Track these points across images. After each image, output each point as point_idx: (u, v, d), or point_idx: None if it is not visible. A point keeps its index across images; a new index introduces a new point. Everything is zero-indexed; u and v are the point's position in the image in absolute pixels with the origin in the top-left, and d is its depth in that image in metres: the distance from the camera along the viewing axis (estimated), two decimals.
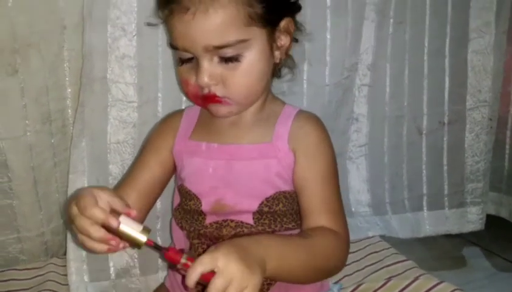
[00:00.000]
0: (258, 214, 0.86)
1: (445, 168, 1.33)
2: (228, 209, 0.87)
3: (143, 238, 0.68)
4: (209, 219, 0.88)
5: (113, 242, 0.70)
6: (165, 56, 1.00)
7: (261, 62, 0.83)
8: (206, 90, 0.82)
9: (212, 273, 0.65)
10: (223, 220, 0.87)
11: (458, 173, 1.34)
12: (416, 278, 1.00)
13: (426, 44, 1.25)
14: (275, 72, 0.91)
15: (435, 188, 1.33)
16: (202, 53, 0.80)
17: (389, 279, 1.02)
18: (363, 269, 1.08)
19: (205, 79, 0.81)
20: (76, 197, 0.71)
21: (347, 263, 0.86)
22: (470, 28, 1.28)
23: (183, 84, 0.86)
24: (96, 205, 0.69)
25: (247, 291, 0.65)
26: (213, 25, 0.77)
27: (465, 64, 1.30)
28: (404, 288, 0.99)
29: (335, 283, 1.00)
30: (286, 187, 0.87)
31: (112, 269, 1.06)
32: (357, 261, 1.12)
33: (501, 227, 1.39)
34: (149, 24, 0.92)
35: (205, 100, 0.84)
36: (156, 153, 0.93)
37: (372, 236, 1.23)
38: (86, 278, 1.03)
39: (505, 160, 1.40)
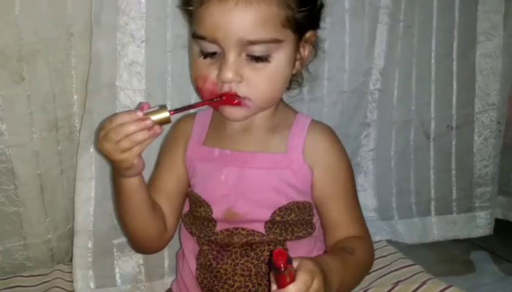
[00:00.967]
0: (270, 223, 0.86)
1: (453, 172, 1.32)
2: (240, 217, 0.86)
3: (166, 114, 0.75)
4: (220, 227, 0.87)
5: (148, 122, 0.74)
6: (173, 63, 0.99)
7: (288, 68, 0.83)
8: (226, 88, 0.80)
9: (291, 281, 0.66)
10: (234, 228, 0.87)
11: (466, 177, 1.33)
12: (424, 283, 0.99)
13: (433, 48, 1.24)
14: (289, 83, 0.91)
15: (443, 192, 1.32)
16: (232, 47, 0.77)
17: (396, 284, 1.02)
18: (370, 273, 1.07)
19: (229, 75, 0.78)
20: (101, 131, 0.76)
21: None
22: (478, 31, 1.27)
23: (199, 80, 0.83)
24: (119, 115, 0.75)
25: None
26: (253, 18, 0.76)
27: (473, 67, 1.28)
28: None
29: None
30: (299, 198, 0.87)
31: (118, 275, 1.05)
32: None
33: (509, 231, 1.38)
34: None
35: (222, 100, 0.81)
36: (169, 166, 0.93)
37: (379, 241, 1.22)
38: (92, 284, 1.03)
39: None
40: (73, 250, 1.02)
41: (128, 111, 0.76)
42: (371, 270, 1.07)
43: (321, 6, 0.88)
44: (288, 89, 0.93)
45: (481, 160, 1.33)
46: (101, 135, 0.75)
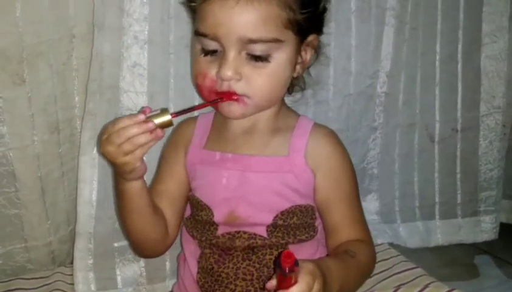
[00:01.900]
0: (272, 227, 0.86)
1: (458, 176, 1.31)
2: (241, 221, 0.86)
3: (168, 117, 0.75)
4: (221, 230, 0.87)
5: (151, 125, 0.74)
6: (176, 65, 0.99)
7: (288, 69, 0.83)
8: (225, 86, 0.80)
9: (295, 283, 0.67)
10: (236, 231, 0.86)
11: (471, 181, 1.32)
12: (426, 286, 0.99)
13: (438, 50, 1.22)
14: (290, 87, 0.90)
15: (447, 196, 1.31)
16: (232, 45, 0.78)
17: (398, 287, 1.01)
18: (372, 277, 1.07)
19: (229, 72, 0.78)
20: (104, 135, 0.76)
21: None
22: (483, 33, 1.26)
23: (199, 77, 0.83)
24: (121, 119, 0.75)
25: None
26: (254, 16, 0.76)
27: (478, 69, 1.27)
28: None
29: None
30: (301, 201, 0.87)
31: (119, 277, 1.05)
32: None
33: None
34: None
35: (220, 97, 0.81)
36: (170, 170, 0.93)
37: (381, 244, 1.21)
38: (93, 287, 1.03)
39: None
40: (74, 252, 1.02)
41: (130, 115, 0.76)
42: (373, 273, 1.07)
43: (324, 9, 0.87)
44: (290, 93, 0.93)
45: (486, 164, 1.32)
46: (103, 138, 0.76)
